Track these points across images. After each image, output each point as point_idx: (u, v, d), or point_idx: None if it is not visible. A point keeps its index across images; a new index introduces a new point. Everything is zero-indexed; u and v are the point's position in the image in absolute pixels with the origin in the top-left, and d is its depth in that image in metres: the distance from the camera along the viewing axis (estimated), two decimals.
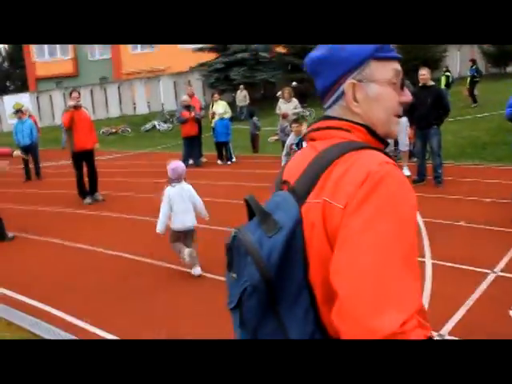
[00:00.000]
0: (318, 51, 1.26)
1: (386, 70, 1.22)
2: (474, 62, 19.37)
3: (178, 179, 5.36)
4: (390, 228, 1.00)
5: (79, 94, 9.41)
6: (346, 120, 1.22)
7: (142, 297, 4.89)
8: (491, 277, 4.69)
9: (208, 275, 5.29)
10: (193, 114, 12.29)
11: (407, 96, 1.27)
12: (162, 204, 5.26)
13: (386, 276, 0.97)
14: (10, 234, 7.42)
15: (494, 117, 13.84)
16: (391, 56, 1.24)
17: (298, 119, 9.12)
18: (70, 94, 9.35)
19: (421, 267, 4.81)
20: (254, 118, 14.39)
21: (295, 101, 11.76)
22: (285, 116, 11.49)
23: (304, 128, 9.28)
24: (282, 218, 1.11)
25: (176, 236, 5.30)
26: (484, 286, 4.51)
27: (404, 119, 8.69)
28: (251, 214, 1.23)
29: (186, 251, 5.15)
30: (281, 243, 1.07)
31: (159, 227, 5.21)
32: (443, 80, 18.25)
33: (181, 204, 5.26)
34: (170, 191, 5.29)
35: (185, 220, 5.26)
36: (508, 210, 6.45)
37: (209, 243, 6.01)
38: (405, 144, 9.12)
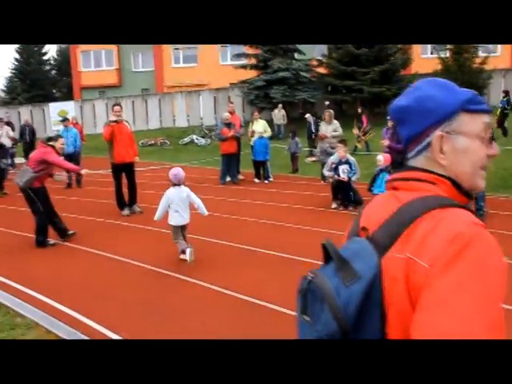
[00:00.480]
0: (404, 99, 1.25)
1: (475, 123, 1.20)
2: (506, 93, 18.98)
3: (178, 183, 6.54)
4: (477, 294, 0.98)
5: (121, 107, 9.60)
6: (431, 172, 1.20)
7: (178, 314, 4.89)
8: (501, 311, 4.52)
9: (249, 299, 5.26)
10: (232, 131, 12.39)
11: (495, 149, 1.24)
12: (162, 200, 6.48)
13: (474, 334, 0.95)
14: (51, 241, 7.60)
15: None
16: (482, 109, 1.22)
17: (344, 141, 9.43)
18: (113, 107, 9.56)
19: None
20: (296, 138, 14.41)
21: (336, 123, 11.76)
22: (323, 137, 11.52)
23: (341, 150, 9.35)
24: (361, 268, 1.09)
25: (176, 229, 6.52)
26: None
27: None
28: (327, 258, 1.21)
29: (188, 251, 6.41)
30: (359, 294, 1.06)
31: (157, 216, 6.49)
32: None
33: (179, 203, 6.46)
34: (170, 192, 6.49)
35: (183, 217, 6.49)
36: None
37: (235, 261, 5.99)
38: None
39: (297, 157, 14.56)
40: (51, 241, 7.62)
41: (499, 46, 34.05)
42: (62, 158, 8.06)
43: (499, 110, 17.88)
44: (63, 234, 7.79)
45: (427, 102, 1.20)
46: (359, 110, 18.04)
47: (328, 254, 1.19)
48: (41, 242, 7.48)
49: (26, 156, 16.25)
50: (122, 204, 9.62)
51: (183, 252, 6.45)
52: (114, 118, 9.20)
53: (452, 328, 0.96)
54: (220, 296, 5.34)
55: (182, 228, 6.59)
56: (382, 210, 1.20)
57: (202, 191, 11.76)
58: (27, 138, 17.26)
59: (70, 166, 8.52)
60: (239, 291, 5.37)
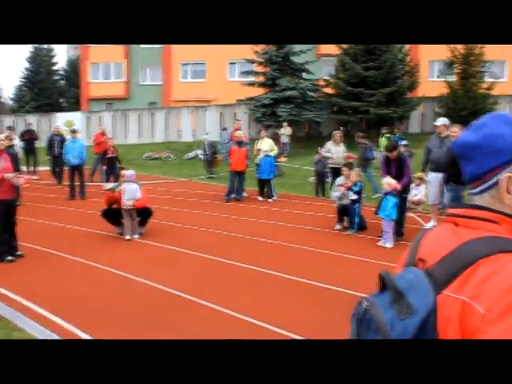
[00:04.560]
0: (472, 135, 1.22)
1: None
2: (392, 130, 18.86)
3: (129, 181, 8.81)
4: None
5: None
6: (496, 211, 1.19)
7: (176, 334, 4.83)
8: None
9: (248, 319, 5.20)
10: (244, 149, 12.56)
11: None
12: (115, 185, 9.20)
13: None
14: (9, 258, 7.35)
15: None
16: None
17: (349, 164, 9.37)
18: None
19: None
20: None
21: (343, 145, 11.80)
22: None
23: (353, 174, 9.33)
24: (416, 303, 1.09)
25: (125, 211, 8.74)
26: None
27: (440, 175, 8.60)
28: (382, 286, 1.21)
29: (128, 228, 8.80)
30: (412, 329, 1.06)
31: (107, 188, 8.74)
32: None
33: (128, 194, 8.67)
34: (124, 185, 8.81)
35: (129, 203, 8.63)
36: None
37: (235, 280, 5.93)
38: (435, 197, 9.00)
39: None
40: (9, 257, 7.34)
41: (506, 71, 34.21)
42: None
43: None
44: (11, 252, 7.39)
45: (497, 141, 1.19)
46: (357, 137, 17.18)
47: (383, 283, 1.19)
48: None
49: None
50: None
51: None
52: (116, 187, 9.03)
53: None
54: (219, 315, 5.28)
55: (130, 212, 8.70)
56: (442, 244, 1.20)
57: (205, 207, 11.79)
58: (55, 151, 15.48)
59: None
60: (237, 311, 5.31)
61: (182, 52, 33.79)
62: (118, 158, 15.21)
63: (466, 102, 23.22)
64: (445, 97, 25.08)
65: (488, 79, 26.04)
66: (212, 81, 33.86)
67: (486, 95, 24.74)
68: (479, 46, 24.88)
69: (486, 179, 1.20)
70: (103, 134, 17.32)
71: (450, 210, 1.27)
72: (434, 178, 8.91)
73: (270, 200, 12.86)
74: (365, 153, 13.40)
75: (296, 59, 25.77)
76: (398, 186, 8.07)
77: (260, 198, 13.00)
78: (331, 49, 26.54)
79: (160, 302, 5.70)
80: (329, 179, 12.75)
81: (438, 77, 30.13)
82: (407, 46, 26.35)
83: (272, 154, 13.08)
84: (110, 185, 9.14)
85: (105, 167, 15.15)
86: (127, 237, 8.67)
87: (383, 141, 17.34)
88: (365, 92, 23.60)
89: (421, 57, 30.47)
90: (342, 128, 21.00)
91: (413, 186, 10.28)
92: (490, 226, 1.16)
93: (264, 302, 5.70)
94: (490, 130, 1.20)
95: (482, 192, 1.22)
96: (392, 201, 7.94)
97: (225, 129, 21.81)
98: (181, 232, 9.35)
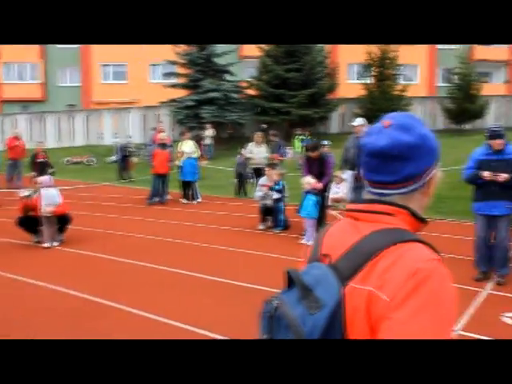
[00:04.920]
0: (405, 136, 1.23)
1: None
2: (304, 132, 19.49)
3: (46, 186, 8.51)
4: (432, 322, 1.07)
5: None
6: (392, 204, 1.25)
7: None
8: (453, 336, 4.73)
9: (173, 323, 5.16)
10: (167, 151, 12.39)
11: None
12: (32, 192, 8.53)
13: None
14: None
15: (454, 171, 14.31)
16: None
17: (272, 164, 9.54)
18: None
19: None
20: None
21: (264, 146, 11.97)
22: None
23: (275, 174, 9.48)
24: (324, 296, 1.14)
25: (45, 218, 8.30)
26: None
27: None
28: (288, 283, 1.25)
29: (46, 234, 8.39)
30: (322, 322, 1.11)
31: (23, 194, 8.56)
32: None
33: (47, 200, 8.27)
34: (43, 190, 8.36)
35: (49, 209, 8.24)
36: (466, 267, 6.59)
37: (159, 284, 5.89)
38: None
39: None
40: None
41: (418, 75, 36.04)
42: None
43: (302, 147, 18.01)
44: None
45: (429, 141, 1.26)
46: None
47: (289, 280, 1.23)
48: None
49: None
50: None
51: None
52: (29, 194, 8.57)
53: None
54: (143, 321, 5.21)
55: (49, 218, 8.33)
56: (344, 238, 1.25)
57: (128, 212, 11.55)
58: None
59: None
60: (160, 314, 5.27)
61: (101, 53, 32.88)
62: (48, 162, 14.61)
63: (382, 103, 24.22)
64: (363, 98, 26.08)
65: (402, 82, 27.34)
66: (134, 82, 33.21)
67: (400, 97, 25.97)
68: (393, 49, 26.06)
69: (421, 178, 1.25)
70: (17, 138, 16.49)
71: (350, 206, 1.32)
72: (351, 176, 9.25)
73: (194, 202, 12.82)
74: (275, 150, 13.56)
75: (218, 61, 25.85)
76: (319, 186, 8.29)
77: (184, 201, 12.92)
78: (253, 50, 26.86)
79: (81, 310, 5.53)
80: (252, 180, 12.88)
81: (356, 79, 31.25)
82: (327, 49, 27.14)
83: (194, 155, 13.04)
84: (25, 191, 8.66)
85: (34, 173, 14.47)
86: (46, 244, 8.33)
87: (296, 142, 17.84)
88: (286, 93, 24.08)
89: (340, 60, 31.49)
90: (264, 125, 21.29)
91: (334, 184, 10.60)
92: (387, 218, 1.23)
93: (187, 304, 5.67)
94: (420, 131, 1.25)
95: (412, 191, 1.26)
96: (312, 199, 8.15)
97: (154, 129, 21.55)
98: (102, 237, 9.12)
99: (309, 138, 18.37)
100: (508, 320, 5.16)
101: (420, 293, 1.08)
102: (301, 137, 18.02)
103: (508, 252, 6.34)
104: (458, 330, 4.86)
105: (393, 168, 1.23)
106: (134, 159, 17.96)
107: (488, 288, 6.09)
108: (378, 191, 1.28)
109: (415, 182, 1.25)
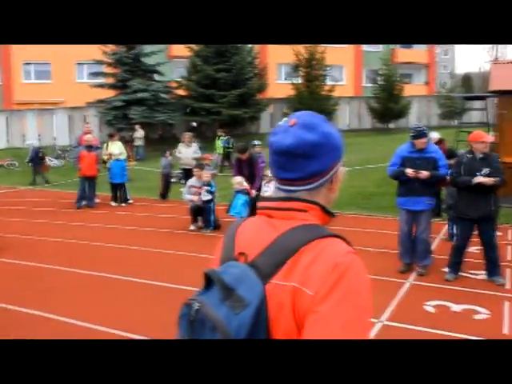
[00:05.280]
0: (309, 134, 1.27)
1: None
2: (226, 133, 19.46)
3: None
4: (354, 312, 1.14)
5: None
6: (304, 200, 1.29)
7: None
8: (378, 326, 4.92)
9: (103, 329, 5.03)
10: (94, 153, 12.03)
11: None
12: None
13: None
14: None
15: (380, 169, 14.86)
16: None
17: (200, 164, 9.44)
18: None
19: None
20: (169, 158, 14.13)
21: (195, 145, 11.89)
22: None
23: (205, 174, 9.44)
24: (248, 295, 1.15)
25: None
26: (372, 334, 4.70)
27: None
28: (206, 284, 1.24)
29: None
30: (248, 320, 1.13)
31: None
32: None
33: None
34: None
35: None
36: (391, 260, 6.85)
37: (89, 290, 5.73)
38: None
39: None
40: None
41: (344, 75, 37.09)
42: None
43: (223, 148, 18.37)
44: None
45: (332, 139, 1.30)
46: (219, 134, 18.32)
47: (208, 280, 1.22)
48: None
49: None
50: None
51: None
52: None
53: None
54: (67, 328, 5.04)
55: None
56: (260, 236, 1.26)
57: (54, 216, 11.13)
58: None
59: None
60: (86, 320, 5.12)
61: (22, 51, 31.44)
62: None
63: (310, 103, 24.70)
64: (292, 98, 26.51)
65: (329, 82, 28.04)
66: (59, 82, 32.01)
67: (328, 97, 26.62)
68: (321, 51, 26.67)
69: (326, 174, 1.30)
70: None
71: (263, 204, 1.33)
72: None
73: (125, 204, 12.54)
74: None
75: (147, 60, 25.43)
76: (252, 193, 8.37)
77: (113, 203, 12.61)
78: (182, 50, 26.63)
79: (3, 322, 5.28)
80: (181, 180, 12.76)
81: (285, 79, 31.73)
82: (256, 50, 27.36)
83: (122, 157, 12.77)
84: None
85: None
86: None
87: (219, 143, 17.96)
88: (216, 93, 24.07)
89: (269, 60, 31.86)
90: (194, 123, 21.20)
91: (264, 183, 10.70)
92: (301, 215, 1.27)
93: (116, 308, 5.54)
94: (324, 129, 1.29)
95: (318, 187, 1.30)
96: (242, 199, 8.21)
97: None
98: (27, 244, 8.73)
99: (229, 138, 18.44)
100: (429, 308, 5.42)
101: (341, 285, 1.15)
102: (221, 138, 18.09)
103: (429, 244, 6.66)
104: (384, 321, 5.05)
105: (298, 165, 1.27)
106: (52, 162, 17.38)
107: (411, 279, 6.37)
108: (286, 188, 1.31)
109: (320, 178, 1.30)
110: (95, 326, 4.99)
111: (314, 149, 1.26)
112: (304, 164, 1.27)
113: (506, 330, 4.87)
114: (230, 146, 17.53)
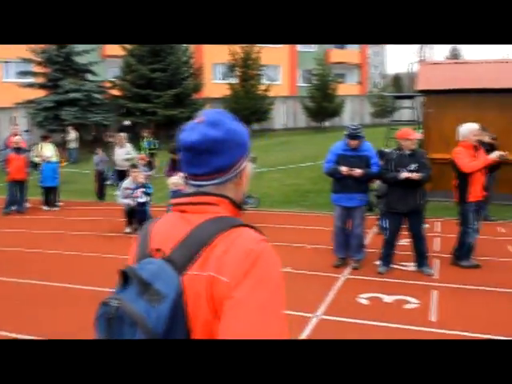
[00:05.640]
0: (213, 131, 1.32)
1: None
2: (149, 134, 18.95)
3: None
4: (268, 295, 1.20)
5: None
6: (215, 195, 1.35)
7: None
8: (314, 320, 5.03)
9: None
10: (23, 156, 11.55)
11: None
12: None
13: (269, 332, 1.16)
14: None
15: (315, 167, 15.16)
16: None
17: (134, 165, 9.24)
18: None
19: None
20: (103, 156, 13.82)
21: (128, 146, 11.69)
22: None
23: (139, 176, 9.27)
24: (164, 288, 1.18)
25: None
26: (308, 330, 4.81)
27: None
28: (123, 282, 1.25)
29: None
30: (166, 312, 1.16)
31: None
32: None
33: None
34: None
35: None
36: (327, 255, 7.02)
37: (23, 299, 5.53)
38: None
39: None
40: None
41: (280, 75, 37.53)
42: None
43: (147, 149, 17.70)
44: None
45: (237, 135, 1.36)
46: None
47: (124, 279, 1.24)
48: None
49: None
50: None
51: None
52: None
53: (252, 323, 1.16)
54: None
55: None
56: (174, 231, 1.30)
57: None
58: None
59: None
60: (18, 331, 4.93)
61: None
62: None
63: (246, 103, 24.88)
64: (228, 98, 26.56)
65: (265, 82, 28.31)
66: None
67: (263, 96, 26.87)
68: (256, 51, 26.87)
69: (232, 170, 1.35)
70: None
71: (175, 200, 1.38)
72: None
73: (57, 208, 12.13)
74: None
75: (79, 59, 24.65)
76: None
77: (45, 208, 12.15)
78: (116, 50, 26.05)
79: None
80: (114, 182, 12.50)
81: (221, 79, 31.74)
82: (191, 49, 27.17)
83: (54, 159, 12.34)
84: None
85: None
86: None
87: (143, 144, 17.71)
88: (152, 93, 23.73)
89: (204, 60, 31.77)
90: (127, 122, 20.80)
91: None
92: (213, 208, 1.33)
93: (46, 315, 5.37)
94: (228, 126, 1.35)
95: (225, 182, 1.36)
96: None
97: (27, 131, 20.28)
98: None
99: (153, 140, 18.18)
100: (363, 301, 5.59)
101: (255, 271, 1.20)
102: (146, 139, 17.85)
103: (362, 239, 6.87)
104: (320, 315, 5.17)
105: (204, 161, 1.33)
106: None
107: (346, 273, 6.55)
108: (195, 183, 1.37)
109: (227, 173, 1.35)
110: (12, 334, 4.82)
111: (217, 144, 1.32)
112: (209, 159, 1.32)
113: (432, 318, 5.11)
114: (154, 147, 17.25)
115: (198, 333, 1.21)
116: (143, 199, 9.10)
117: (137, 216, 9.25)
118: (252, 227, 1.32)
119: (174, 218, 1.36)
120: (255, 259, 1.22)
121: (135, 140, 17.54)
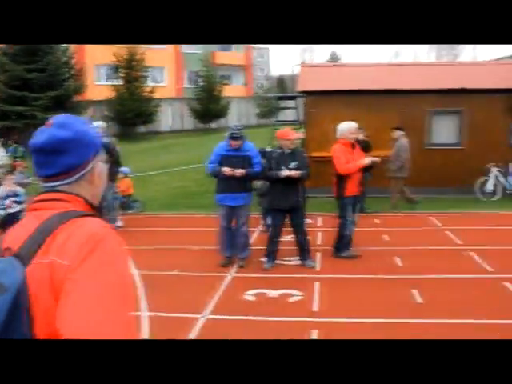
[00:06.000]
0: (62, 132, 1.36)
1: (103, 153, 1.51)
2: (15, 141, 18.21)
3: None
4: (111, 277, 1.21)
5: None
6: (68, 192, 1.38)
7: None
8: (202, 321, 5.04)
9: None
10: None
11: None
12: None
13: (110, 316, 1.17)
14: None
15: (201, 168, 15.21)
16: None
17: (10, 171, 8.70)
18: None
19: (138, 320, 4.88)
20: None
21: (1, 150, 10.95)
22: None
23: (8, 183, 8.69)
24: (7, 281, 1.18)
25: None
26: (197, 330, 4.82)
27: None
28: None
29: None
30: (7, 303, 1.16)
31: None
32: None
33: None
34: None
35: None
36: (214, 255, 7.06)
37: None
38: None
39: None
40: None
41: (165, 77, 37.14)
42: None
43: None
44: None
45: (86, 136, 1.41)
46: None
47: None
48: None
49: None
50: None
51: None
52: None
53: (91, 306, 1.16)
54: None
55: None
56: (24, 229, 1.32)
57: None
58: None
59: None
60: None
61: None
62: None
63: (131, 104, 24.35)
64: (112, 100, 25.80)
65: (150, 83, 27.88)
66: None
67: (149, 98, 26.45)
68: (141, 52, 26.38)
69: (82, 169, 1.40)
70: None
71: (30, 203, 1.42)
72: None
73: None
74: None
75: None
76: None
77: None
78: None
79: None
80: None
81: (105, 80, 30.74)
82: (72, 49, 25.98)
83: None
84: None
85: None
86: None
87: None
88: (29, 95, 22.39)
89: (86, 60, 30.54)
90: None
91: None
92: (63, 204, 1.36)
93: None
94: (78, 127, 1.40)
95: (76, 181, 1.40)
96: None
97: None
98: None
99: (17, 146, 17.28)
100: (250, 297, 5.72)
101: (96, 253, 1.23)
102: (15, 145, 16.93)
103: (247, 237, 7.01)
104: (207, 315, 5.20)
105: (52, 161, 1.37)
106: None
107: (232, 272, 6.65)
108: (47, 185, 1.40)
109: (77, 172, 1.40)
110: None
111: (65, 144, 1.36)
112: (57, 160, 1.36)
113: (315, 308, 5.36)
114: (19, 155, 16.26)
115: (41, 322, 1.21)
116: (15, 209, 8.53)
117: (10, 226, 8.65)
118: (98, 217, 1.36)
119: (26, 218, 1.39)
120: (97, 242, 1.24)
121: (6, 146, 16.39)
